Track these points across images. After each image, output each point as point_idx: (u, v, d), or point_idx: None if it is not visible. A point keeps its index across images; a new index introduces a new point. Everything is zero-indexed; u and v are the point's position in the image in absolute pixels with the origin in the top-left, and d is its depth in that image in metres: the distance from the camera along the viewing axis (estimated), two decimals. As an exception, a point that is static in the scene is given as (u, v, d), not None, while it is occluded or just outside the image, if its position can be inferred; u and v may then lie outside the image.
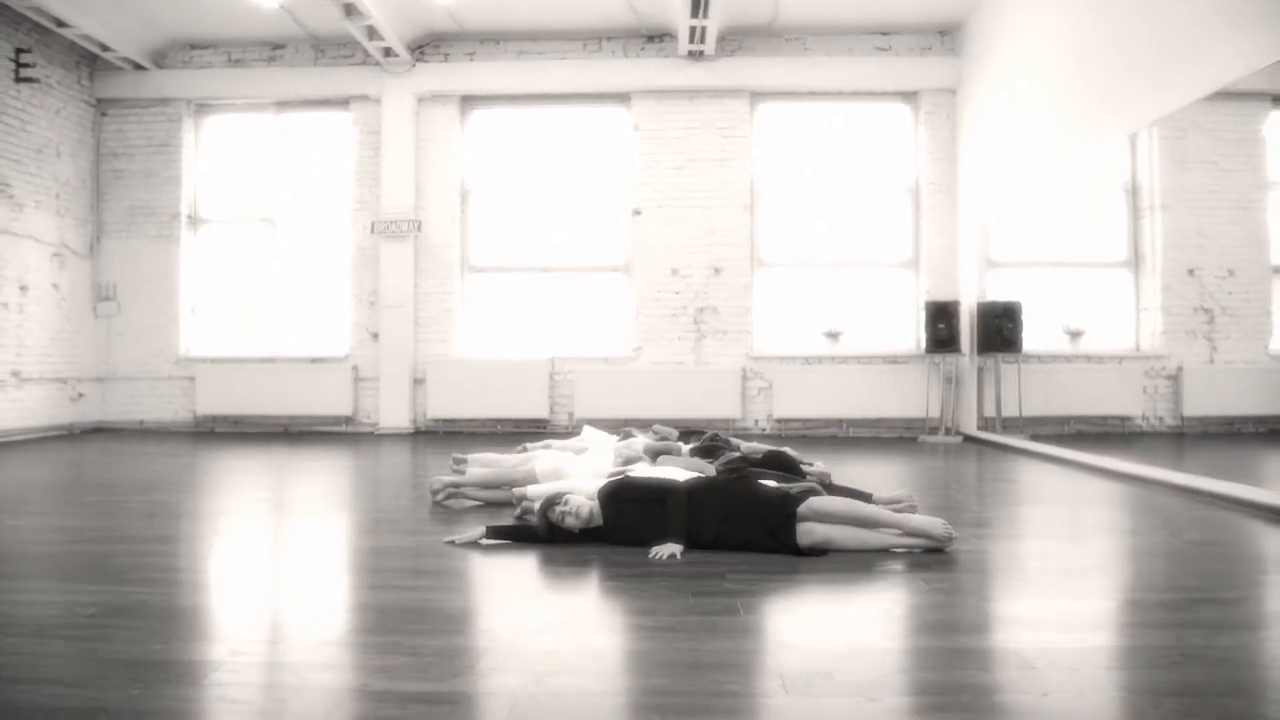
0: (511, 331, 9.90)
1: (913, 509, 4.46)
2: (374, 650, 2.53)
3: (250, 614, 2.95)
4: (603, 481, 4.22)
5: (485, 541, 3.92)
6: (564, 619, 2.88)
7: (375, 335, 9.75)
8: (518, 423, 9.49)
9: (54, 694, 2.17)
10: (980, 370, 9.32)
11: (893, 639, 2.68)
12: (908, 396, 9.39)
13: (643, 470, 4.56)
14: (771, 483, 4.14)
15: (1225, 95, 9.48)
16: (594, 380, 9.47)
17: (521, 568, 3.54)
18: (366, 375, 9.78)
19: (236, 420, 9.87)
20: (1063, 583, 3.37)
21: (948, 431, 9.24)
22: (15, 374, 8.84)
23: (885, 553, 3.68)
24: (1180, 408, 9.43)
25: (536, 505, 4.06)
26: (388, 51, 9.44)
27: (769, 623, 2.81)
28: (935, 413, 9.32)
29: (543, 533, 3.91)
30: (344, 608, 3.01)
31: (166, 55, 10.03)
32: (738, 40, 9.68)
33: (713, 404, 9.30)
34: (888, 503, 4.51)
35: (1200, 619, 2.79)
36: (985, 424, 9.19)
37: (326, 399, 9.70)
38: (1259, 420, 9.35)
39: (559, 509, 3.87)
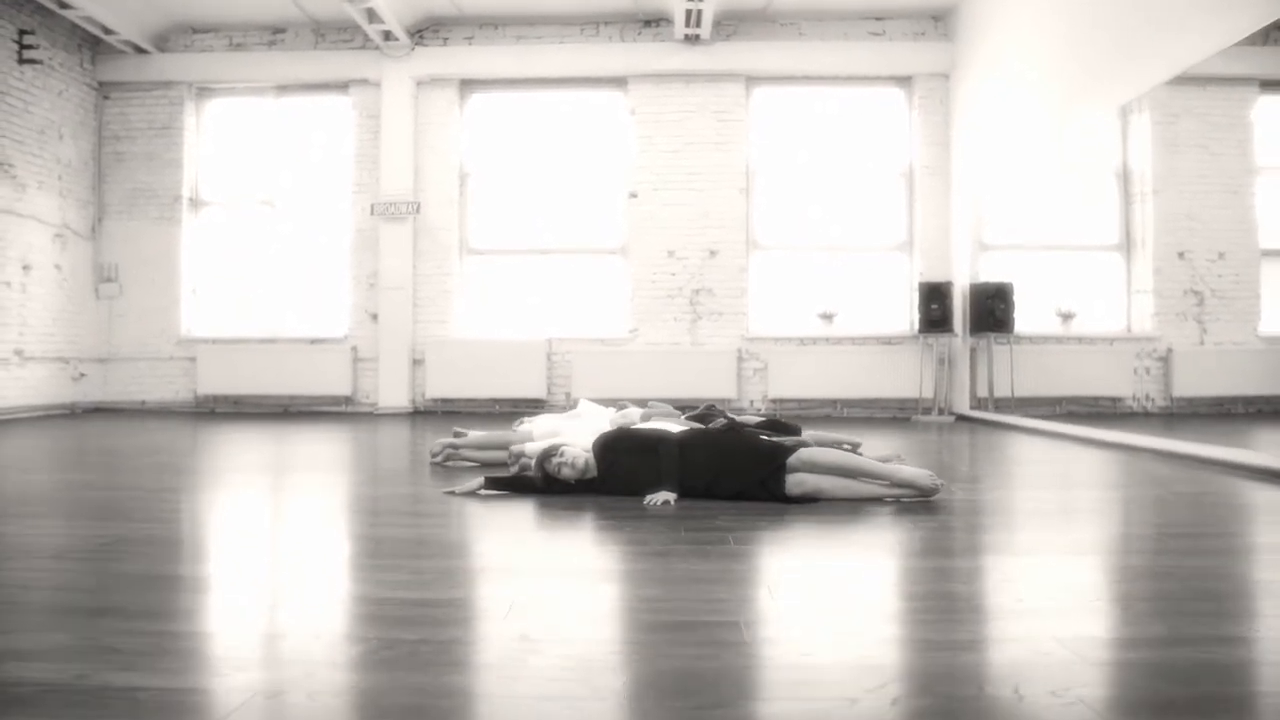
0: (509, 313, 9.99)
1: (901, 463, 4.56)
2: (376, 569, 2.63)
3: (252, 541, 3.05)
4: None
5: (484, 492, 4.01)
6: (559, 547, 2.98)
7: (374, 316, 9.84)
8: (515, 403, 9.58)
9: (72, 599, 2.27)
10: (973, 351, 9.42)
11: (880, 560, 2.78)
12: (901, 377, 9.49)
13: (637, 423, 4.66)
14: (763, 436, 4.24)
15: (1214, 80, 9.67)
16: (591, 361, 9.57)
17: (519, 510, 3.63)
18: (365, 356, 9.87)
19: (237, 400, 9.96)
20: (1048, 522, 3.47)
21: (941, 411, 9.34)
22: (18, 352, 8.92)
23: (874, 501, 3.78)
24: (1170, 389, 9.55)
25: (533, 460, 4.15)
26: (387, 35, 9.53)
27: (759, 550, 2.91)
28: (929, 393, 9.42)
29: (540, 483, 4.00)
30: (345, 538, 3.11)
31: (168, 38, 10.12)
32: (733, 25, 9.78)
33: (708, 384, 9.39)
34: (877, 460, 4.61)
35: (1174, 547, 2.91)
36: (978, 404, 9.29)
37: (326, 379, 9.79)
38: (1248, 401, 9.47)
39: (555, 460, 3.96)
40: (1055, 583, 2.42)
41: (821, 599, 2.28)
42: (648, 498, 3.73)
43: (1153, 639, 1.91)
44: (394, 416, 9.38)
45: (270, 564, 2.76)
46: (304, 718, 1.49)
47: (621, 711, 1.52)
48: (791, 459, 3.85)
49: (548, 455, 4.00)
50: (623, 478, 3.92)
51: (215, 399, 9.97)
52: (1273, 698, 1.61)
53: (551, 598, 2.28)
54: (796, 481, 3.80)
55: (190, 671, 1.72)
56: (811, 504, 3.70)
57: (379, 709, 1.54)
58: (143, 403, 10.04)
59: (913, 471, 3.88)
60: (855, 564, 2.72)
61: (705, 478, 3.84)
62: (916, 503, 3.72)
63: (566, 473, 3.94)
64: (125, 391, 10.06)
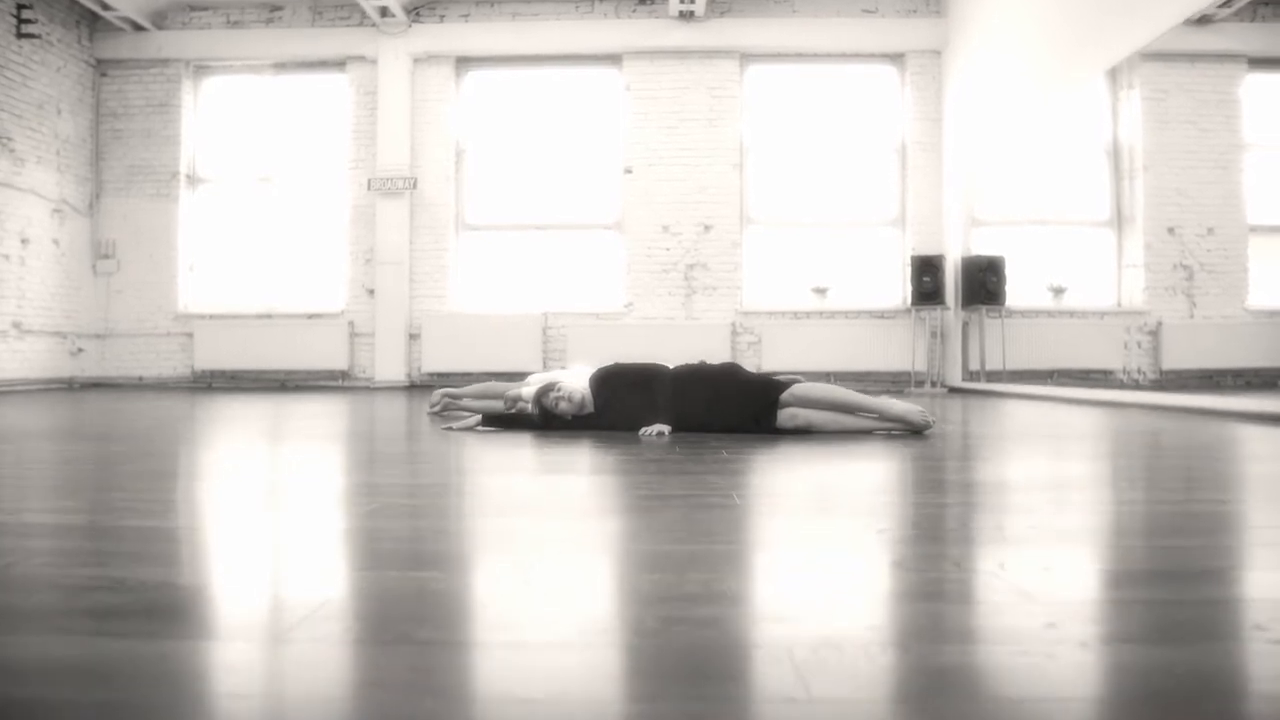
0: (505, 287, 10.06)
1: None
2: (374, 474, 2.70)
3: (252, 481, 3.12)
4: (594, 378, 4.38)
5: (481, 429, 4.09)
6: (552, 458, 3.06)
7: (371, 291, 9.91)
8: (511, 376, 9.56)
9: (68, 507, 2.34)
10: (965, 325, 9.51)
11: (872, 475, 2.86)
12: (894, 351, 9.58)
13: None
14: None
15: (1203, 57, 9.77)
16: (586, 334, 9.64)
17: (515, 440, 3.70)
18: (362, 330, 9.93)
19: (234, 375, 10.02)
20: (1038, 449, 3.55)
21: (933, 384, 9.43)
22: (16, 325, 8.97)
23: (866, 435, 3.86)
24: (1160, 362, 9.64)
25: (531, 401, 4.21)
26: (384, 11, 9.60)
27: (752, 462, 2.99)
28: (921, 366, 9.51)
29: (537, 420, 4.07)
30: (339, 458, 3.18)
31: (166, 15, 10.17)
32: (727, 2, 9.86)
33: (703, 357, 9.42)
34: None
35: (1155, 467, 2.99)
36: (970, 376, 9.38)
37: (323, 354, 9.85)
38: (1236, 373, 9.56)
39: (553, 395, 4.04)
40: (1038, 484, 2.50)
41: (810, 498, 2.36)
42: (643, 430, 3.80)
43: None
44: (390, 390, 9.44)
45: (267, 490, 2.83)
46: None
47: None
48: (784, 394, 3.93)
49: (545, 390, 4.07)
50: (619, 411, 3.99)
51: (212, 374, 10.02)
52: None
53: (551, 488, 2.35)
54: (789, 415, 3.88)
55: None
56: (803, 435, 3.78)
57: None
58: (140, 378, 10.09)
59: (904, 406, 3.95)
60: (847, 478, 2.80)
61: (699, 410, 3.92)
62: (909, 436, 3.80)
63: (564, 407, 4.01)
64: (122, 367, 10.11)
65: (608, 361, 4.38)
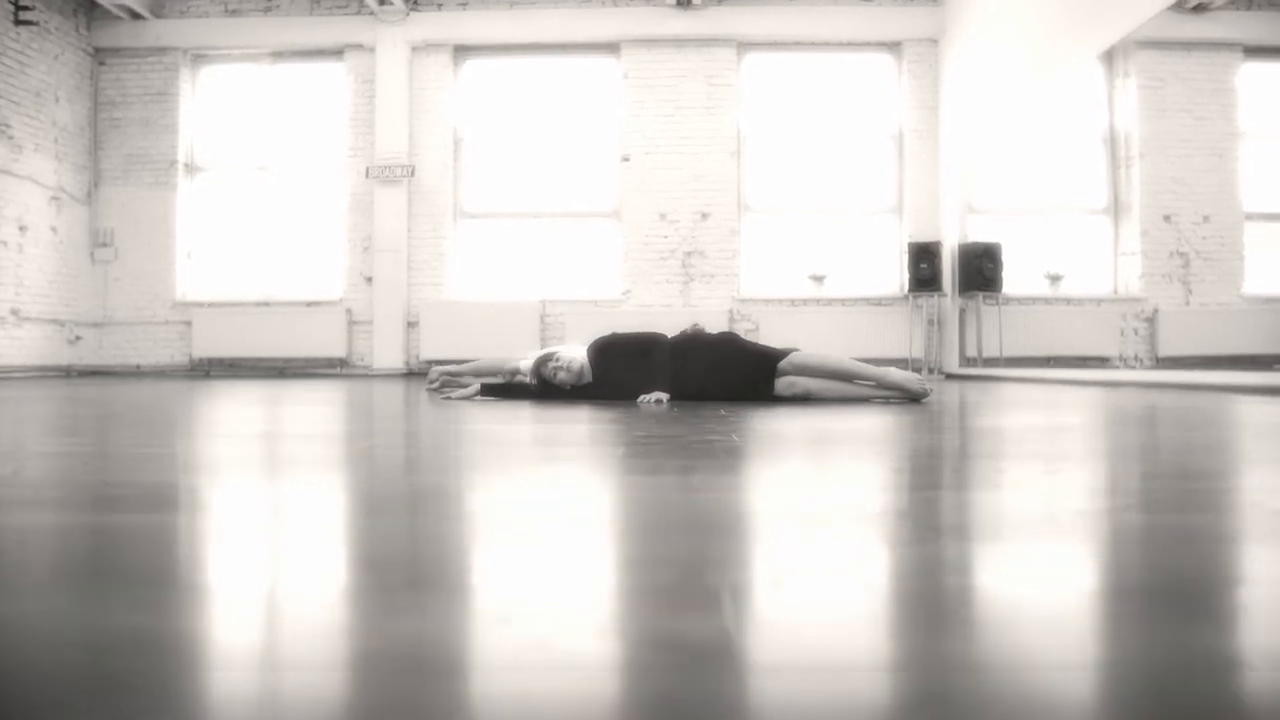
0: (503, 275, 10.07)
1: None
2: (370, 438, 2.71)
3: (252, 451, 3.13)
4: (593, 349, 4.39)
5: (480, 398, 4.10)
6: (552, 412, 3.07)
7: (369, 279, 9.91)
8: (510, 364, 9.65)
9: (71, 443, 2.35)
10: (962, 312, 9.53)
11: (871, 427, 2.88)
12: (891, 338, 9.59)
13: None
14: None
15: (1199, 45, 9.78)
16: (584, 322, 9.60)
17: (514, 405, 3.71)
18: (360, 318, 9.93)
19: (232, 363, 10.02)
20: (1036, 407, 3.57)
21: (930, 371, 9.45)
22: (14, 312, 8.97)
23: (864, 402, 3.87)
24: (1156, 348, 9.66)
25: (530, 372, 4.23)
26: (382, 0, 9.60)
27: (750, 420, 3.01)
28: (919, 353, 9.53)
29: (536, 389, 4.09)
30: (339, 426, 3.19)
31: (164, 4, 10.17)
32: (726, -10, 9.88)
33: (698, 321, 9.46)
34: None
35: (1152, 436, 3.01)
36: (967, 363, 9.41)
37: (321, 341, 9.85)
38: (1232, 360, 9.56)
39: (551, 365, 4.06)
40: (1033, 434, 2.52)
41: (808, 439, 2.37)
42: (641, 398, 3.82)
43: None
44: (388, 377, 9.45)
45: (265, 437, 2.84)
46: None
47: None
48: (783, 363, 3.95)
49: (544, 361, 4.09)
50: (617, 381, 4.00)
51: (210, 362, 10.02)
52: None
53: (549, 436, 2.36)
54: (787, 383, 3.90)
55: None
56: (802, 403, 3.79)
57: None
58: (138, 366, 10.09)
59: (902, 375, 3.98)
60: (848, 426, 2.81)
61: (698, 379, 3.93)
62: (907, 403, 3.82)
63: (563, 376, 4.03)
64: (120, 355, 10.11)
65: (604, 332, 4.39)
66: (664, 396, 3.81)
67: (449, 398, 4.11)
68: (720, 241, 9.81)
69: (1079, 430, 2.62)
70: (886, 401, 3.84)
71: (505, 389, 4.16)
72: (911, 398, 3.89)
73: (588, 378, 4.06)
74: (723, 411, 3.06)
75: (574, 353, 4.09)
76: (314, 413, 3.63)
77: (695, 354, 3.99)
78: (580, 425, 2.67)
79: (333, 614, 0.73)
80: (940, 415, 3.10)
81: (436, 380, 5.18)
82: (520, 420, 2.86)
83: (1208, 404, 4.09)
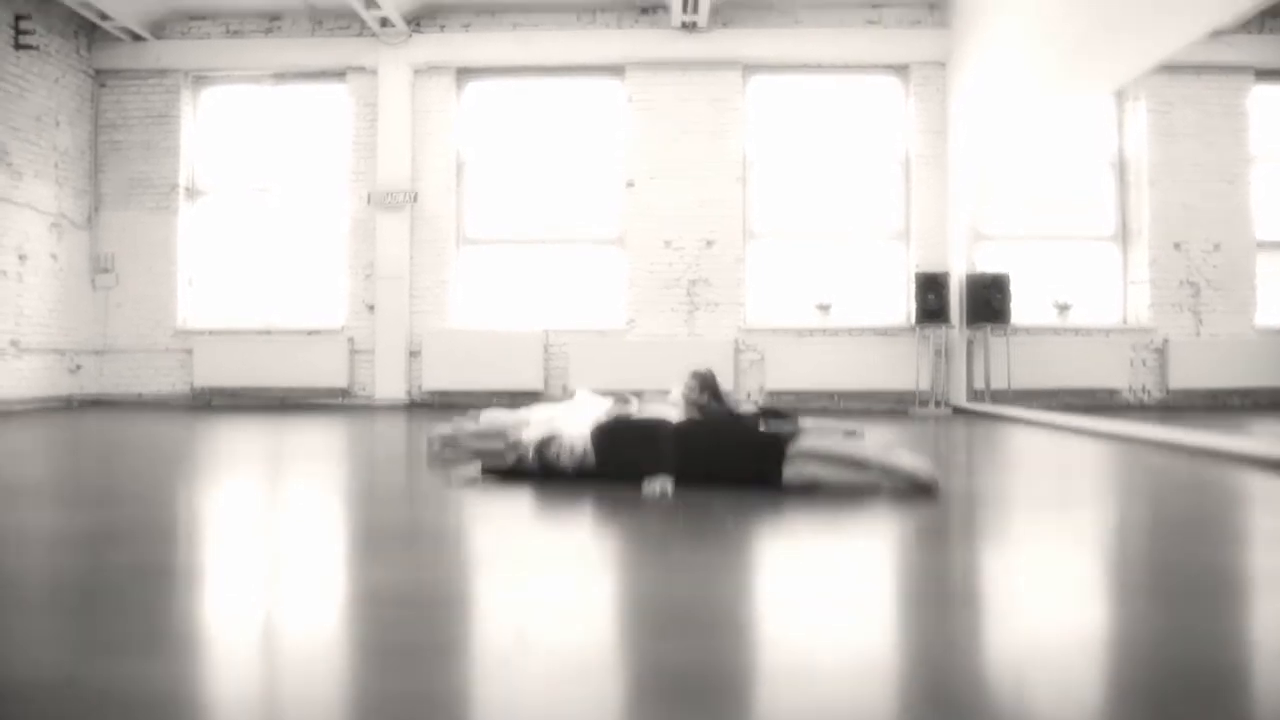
0: (506, 303, 9.99)
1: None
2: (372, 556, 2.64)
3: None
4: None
5: (481, 479, 4.03)
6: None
7: (371, 307, 9.83)
8: (512, 395, 9.55)
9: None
10: (969, 343, 9.43)
11: (877, 551, 2.80)
12: (898, 369, 9.49)
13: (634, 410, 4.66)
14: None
15: (1210, 69, 9.66)
16: (588, 352, 9.57)
17: (515, 488, 3.64)
18: (362, 347, 9.85)
19: (233, 393, 9.94)
20: (1047, 490, 3.49)
21: (938, 404, 9.35)
22: (14, 343, 8.90)
23: (873, 493, 3.78)
24: (1166, 380, 9.55)
25: (531, 451, 4.15)
26: (384, 22, 9.50)
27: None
28: (925, 385, 9.42)
29: (537, 470, 4.01)
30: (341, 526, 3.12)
31: (165, 25, 10.07)
32: (730, 12, 9.75)
33: (707, 364, 9.37)
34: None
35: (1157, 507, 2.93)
36: (975, 396, 9.31)
37: (323, 371, 9.77)
38: (1244, 393, 9.48)
39: (554, 449, 3.98)
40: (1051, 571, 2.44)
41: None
42: (645, 486, 3.73)
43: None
44: (390, 409, 9.38)
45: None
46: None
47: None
48: (791, 449, 3.86)
49: (546, 443, 4.01)
50: (621, 465, 3.92)
51: (212, 391, 9.95)
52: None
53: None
54: (795, 471, 3.81)
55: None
56: (809, 494, 3.71)
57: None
58: (139, 395, 10.02)
59: (912, 463, 3.88)
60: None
61: (703, 466, 3.85)
62: (915, 493, 3.73)
63: (565, 460, 3.95)
64: (121, 384, 10.04)
65: (612, 387, 4.30)
66: (669, 485, 3.74)
67: (451, 466, 4.06)
68: (725, 270, 9.72)
69: (1095, 551, 2.54)
70: (895, 493, 3.76)
71: (506, 471, 4.08)
72: (920, 489, 3.81)
73: (590, 460, 3.98)
74: (728, 524, 2.98)
75: (577, 433, 4.01)
76: (307, 488, 3.55)
77: (701, 441, 3.90)
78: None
79: None
80: (946, 523, 3.03)
81: (438, 446, 5.10)
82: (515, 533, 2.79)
83: (1235, 482, 4.00)
